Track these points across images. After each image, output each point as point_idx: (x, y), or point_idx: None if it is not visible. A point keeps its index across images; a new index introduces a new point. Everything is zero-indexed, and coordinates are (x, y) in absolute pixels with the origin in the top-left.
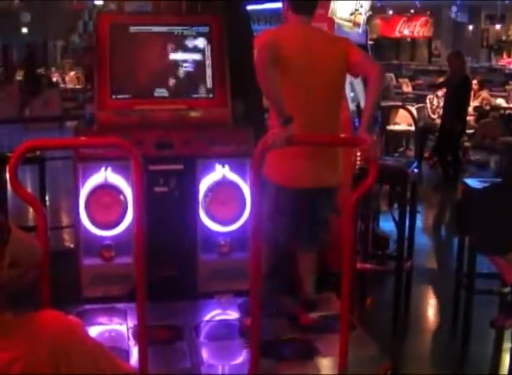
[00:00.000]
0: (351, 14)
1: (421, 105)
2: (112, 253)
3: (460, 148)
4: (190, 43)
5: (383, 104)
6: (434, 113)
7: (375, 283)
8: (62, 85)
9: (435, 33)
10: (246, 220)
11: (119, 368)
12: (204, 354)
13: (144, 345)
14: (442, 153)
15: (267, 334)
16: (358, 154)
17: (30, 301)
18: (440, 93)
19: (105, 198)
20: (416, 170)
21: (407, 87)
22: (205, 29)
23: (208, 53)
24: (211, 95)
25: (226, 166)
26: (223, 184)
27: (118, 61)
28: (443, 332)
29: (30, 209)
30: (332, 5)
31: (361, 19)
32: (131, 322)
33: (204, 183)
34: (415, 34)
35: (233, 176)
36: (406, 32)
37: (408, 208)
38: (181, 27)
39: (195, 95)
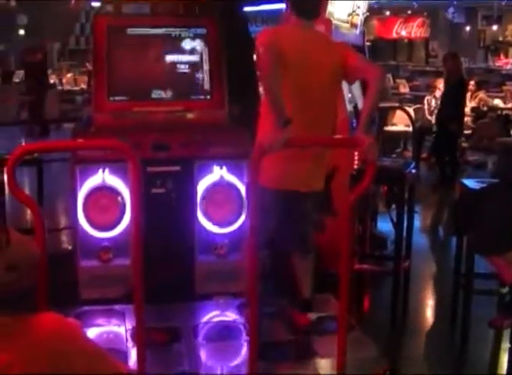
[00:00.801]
0: (348, 15)
1: (418, 105)
2: (110, 255)
3: (457, 149)
4: (187, 45)
5: (380, 105)
6: (431, 114)
7: (373, 283)
8: (60, 87)
9: (432, 34)
10: (243, 222)
11: (118, 370)
12: (203, 355)
13: (142, 347)
14: (439, 154)
15: (265, 336)
16: (356, 155)
17: (29, 304)
18: (437, 94)
19: (103, 200)
20: (414, 171)
21: (404, 88)
22: (202, 31)
23: (205, 55)
24: (208, 97)
25: (224, 168)
26: (221, 186)
27: (115, 63)
28: (442, 332)
29: (28, 211)
30: (330, 6)
31: (359, 20)
32: (129, 323)
33: (202, 185)
34: (412, 35)
35: (231, 178)
36: (403, 33)
37: (406, 208)
38: (178, 29)
39: (192, 97)
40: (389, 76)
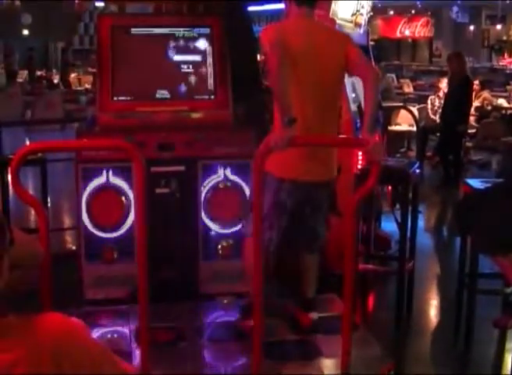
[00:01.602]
0: (352, 15)
1: (422, 105)
2: (114, 255)
3: (461, 149)
4: (191, 44)
5: (384, 104)
6: (435, 114)
7: (378, 283)
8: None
9: (436, 33)
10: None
11: (122, 370)
12: (207, 355)
13: (146, 347)
14: (443, 153)
15: (268, 335)
16: (360, 154)
17: (33, 303)
18: (441, 93)
19: (107, 200)
20: (418, 171)
21: (408, 88)
22: (206, 30)
23: (209, 54)
24: (212, 97)
25: (228, 168)
26: (225, 186)
27: (119, 63)
28: (446, 332)
29: (32, 211)
30: (334, 5)
31: (362, 19)
32: (133, 324)
33: (206, 185)
34: (416, 35)
35: (235, 178)
36: (407, 32)
37: (410, 208)
38: (182, 29)
39: (196, 97)
40: (393, 75)
